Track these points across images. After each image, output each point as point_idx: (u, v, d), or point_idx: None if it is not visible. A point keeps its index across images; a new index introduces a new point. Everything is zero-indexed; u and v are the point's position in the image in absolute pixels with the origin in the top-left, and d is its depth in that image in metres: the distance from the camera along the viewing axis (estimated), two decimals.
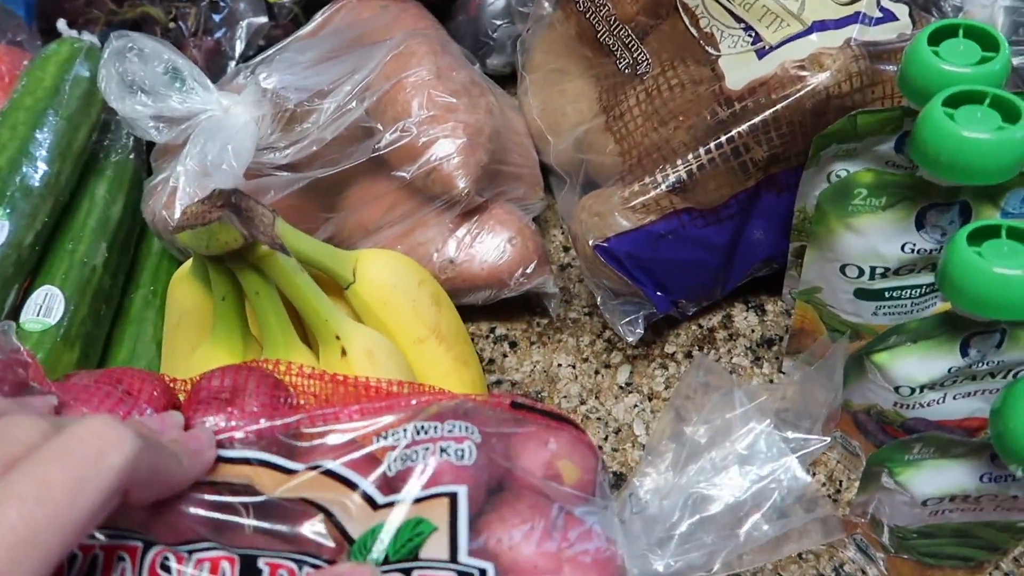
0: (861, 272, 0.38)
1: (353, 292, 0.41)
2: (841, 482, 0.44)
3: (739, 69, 0.43)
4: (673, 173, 0.44)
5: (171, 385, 0.32)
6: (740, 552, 0.29)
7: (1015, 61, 0.47)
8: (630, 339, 0.48)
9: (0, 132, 0.49)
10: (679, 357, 0.50)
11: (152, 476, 0.24)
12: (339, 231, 0.50)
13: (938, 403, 0.36)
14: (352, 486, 0.27)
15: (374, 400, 0.30)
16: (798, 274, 0.43)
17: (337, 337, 0.38)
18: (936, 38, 0.34)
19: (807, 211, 0.43)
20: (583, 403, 0.49)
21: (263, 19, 0.59)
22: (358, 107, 0.46)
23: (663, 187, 0.44)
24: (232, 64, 0.58)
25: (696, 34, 0.46)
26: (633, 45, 0.49)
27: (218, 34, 0.59)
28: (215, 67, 0.58)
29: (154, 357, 0.48)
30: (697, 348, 0.51)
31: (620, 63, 0.50)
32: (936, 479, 0.32)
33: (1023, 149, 0.31)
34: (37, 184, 0.48)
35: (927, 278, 0.38)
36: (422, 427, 0.28)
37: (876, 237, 0.37)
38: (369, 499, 0.27)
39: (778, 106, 0.42)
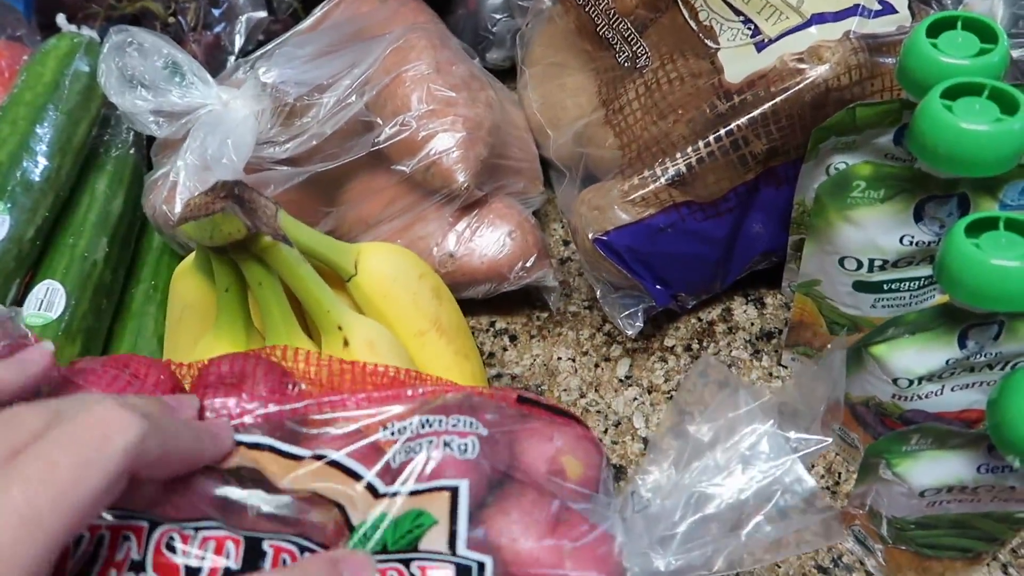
0: (860, 265, 0.38)
1: (355, 284, 0.41)
2: (840, 474, 0.44)
3: (738, 62, 0.43)
4: (672, 166, 0.44)
5: (176, 371, 0.32)
6: (741, 552, 0.29)
7: (1014, 53, 0.47)
8: (629, 332, 0.48)
9: (0, 127, 0.49)
10: (679, 350, 0.50)
11: (164, 455, 0.24)
12: (339, 225, 0.50)
13: (936, 395, 0.36)
14: (356, 476, 0.27)
15: (380, 388, 0.31)
16: (797, 267, 0.43)
17: (339, 327, 0.38)
18: (935, 30, 0.34)
19: (806, 204, 0.43)
20: (583, 396, 0.49)
21: (262, 14, 0.60)
22: (357, 101, 0.46)
23: (662, 180, 0.44)
24: (232, 59, 0.59)
25: (695, 27, 0.46)
26: (632, 39, 0.49)
27: (217, 29, 0.59)
28: (215, 62, 0.58)
29: (155, 351, 0.49)
30: (697, 341, 0.51)
31: (619, 57, 0.50)
32: (933, 470, 0.33)
33: (1021, 141, 0.31)
34: (37, 179, 0.48)
35: (926, 270, 0.38)
36: (427, 420, 0.29)
37: (875, 229, 0.37)
38: (372, 488, 0.27)
39: (777, 99, 0.42)
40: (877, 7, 0.42)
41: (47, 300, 0.46)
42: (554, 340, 0.52)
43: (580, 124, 0.51)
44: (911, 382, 0.35)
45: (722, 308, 0.52)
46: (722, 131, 0.43)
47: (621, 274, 0.46)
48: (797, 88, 0.41)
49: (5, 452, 0.21)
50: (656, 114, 0.46)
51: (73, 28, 0.56)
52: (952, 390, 0.36)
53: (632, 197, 0.44)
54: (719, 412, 0.30)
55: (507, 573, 0.26)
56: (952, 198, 0.35)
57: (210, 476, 0.27)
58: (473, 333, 0.51)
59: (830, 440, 0.30)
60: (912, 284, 0.39)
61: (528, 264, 0.49)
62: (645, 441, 0.47)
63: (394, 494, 0.27)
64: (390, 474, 0.28)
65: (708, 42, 0.45)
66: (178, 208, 0.47)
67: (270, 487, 0.27)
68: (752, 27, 0.44)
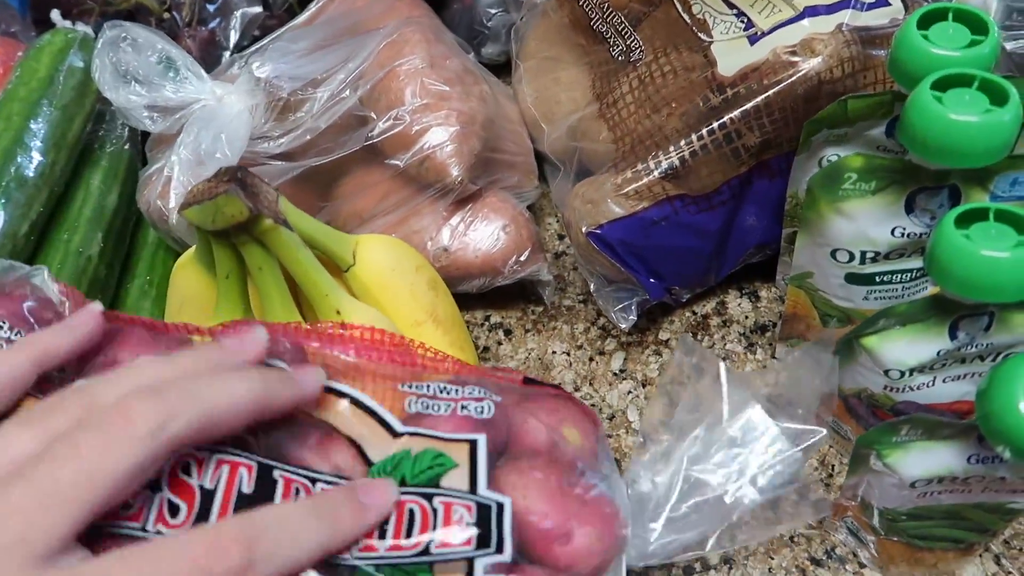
0: (852, 257, 0.38)
1: (352, 274, 0.41)
2: (833, 466, 0.44)
3: (731, 55, 0.44)
4: (666, 160, 0.44)
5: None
6: (732, 532, 0.30)
7: (1008, 45, 0.47)
8: (623, 326, 0.48)
9: None
10: (673, 344, 0.50)
11: (211, 421, 0.25)
12: (333, 220, 0.50)
13: (928, 386, 0.36)
14: (375, 415, 0.29)
15: (394, 352, 0.32)
16: (791, 260, 0.43)
17: (338, 312, 0.39)
18: (926, 22, 0.34)
19: (799, 196, 0.43)
20: (577, 390, 0.49)
21: (258, 9, 0.59)
22: (351, 96, 0.46)
23: (656, 174, 0.44)
24: (227, 54, 0.59)
25: (689, 20, 0.46)
26: (626, 32, 0.49)
27: (212, 24, 0.59)
28: (210, 57, 0.58)
29: None
30: (691, 335, 0.51)
31: (613, 50, 0.50)
32: (924, 461, 0.33)
33: (1010, 132, 0.31)
34: (32, 174, 0.48)
35: (918, 262, 0.38)
36: (443, 387, 0.30)
37: (866, 221, 0.37)
38: (390, 428, 0.28)
39: (770, 92, 0.42)
40: None
41: None
42: (549, 334, 0.52)
43: (574, 118, 0.51)
44: (902, 373, 0.35)
45: (716, 301, 0.52)
46: (715, 124, 0.43)
47: (615, 268, 0.46)
48: (790, 81, 0.41)
49: (44, 436, 0.24)
50: (650, 107, 0.46)
51: (68, 24, 0.55)
52: (944, 381, 0.36)
53: (625, 190, 0.44)
54: (707, 396, 0.31)
55: (521, 521, 0.27)
56: (943, 189, 0.35)
57: None
58: (468, 327, 0.51)
59: (824, 432, 0.30)
60: (904, 276, 0.39)
61: (522, 258, 0.49)
62: (639, 431, 0.47)
63: (413, 434, 0.28)
64: (409, 419, 0.29)
65: (701, 35, 0.45)
66: (172, 203, 0.47)
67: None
68: (745, 20, 0.44)
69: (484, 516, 0.26)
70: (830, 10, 0.42)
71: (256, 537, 0.23)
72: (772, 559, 0.41)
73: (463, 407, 0.29)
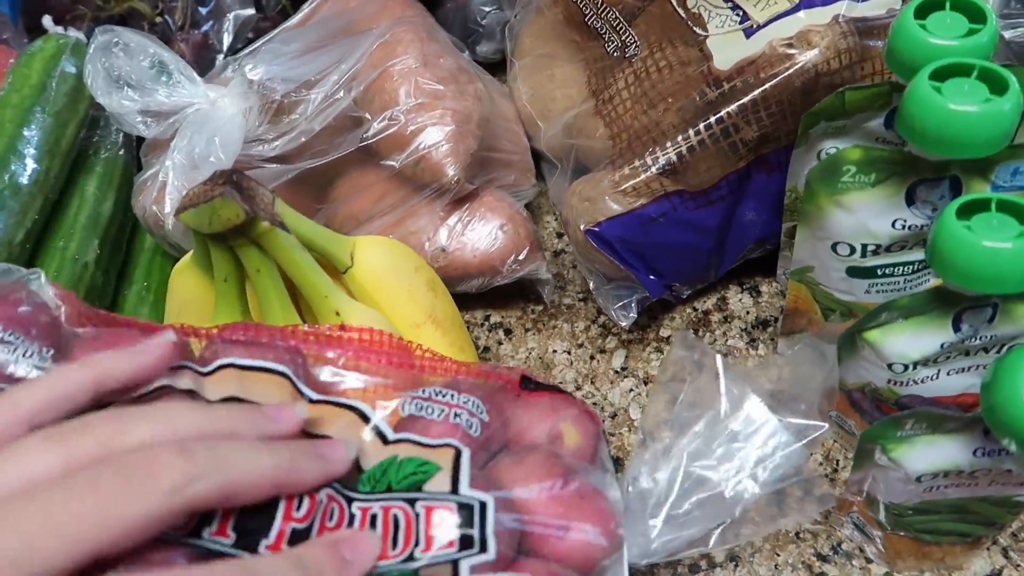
0: (852, 250, 0.38)
1: (351, 276, 0.41)
2: (838, 461, 0.44)
3: (727, 49, 0.43)
4: (663, 155, 0.44)
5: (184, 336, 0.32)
6: (736, 528, 0.30)
7: (1007, 34, 0.47)
8: (623, 323, 0.48)
9: None
10: (674, 341, 0.50)
11: (234, 490, 0.24)
12: (330, 222, 0.50)
13: (932, 379, 0.36)
14: (366, 419, 0.29)
15: (393, 354, 0.32)
16: (791, 254, 0.42)
17: (337, 313, 0.39)
18: (923, 11, 0.34)
19: (798, 190, 0.43)
20: (579, 388, 0.49)
21: (250, 11, 0.59)
22: (345, 97, 0.46)
23: (653, 170, 0.44)
24: (220, 57, 0.58)
25: (684, 15, 0.46)
26: (621, 28, 0.49)
27: (205, 27, 0.59)
28: (203, 61, 0.58)
29: None
30: (692, 331, 0.50)
31: (608, 46, 0.50)
32: (929, 455, 0.32)
33: (1010, 121, 0.31)
34: (26, 182, 0.48)
35: (919, 255, 0.38)
36: (439, 391, 0.30)
37: (866, 214, 0.36)
38: (381, 435, 0.29)
39: (767, 85, 0.41)
40: None
41: None
42: (549, 333, 0.51)
43: (570, 115, 0.50)
44: (906, 367, 0.35)
45: (717, 297, 0.52)
46: (712, 119, 0.42)
47: (614, 265, 0.45)
48: (787, 74, 0.41)
49: (66, 459, 0.23)
50: (646, 103, 0.45)
51: (59, 30, 0.55)
52: (948, 374, 0.36)
53: (623, 187, 0.44)
54: (707, 392, 0.31)
55: (508, 517, 0.27)
56: (943, 181, 0.35)
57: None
58: (468, 327, 0.51)
59: (826, 427, 0.30)
60: (906, 268, 0.38)
61: (521, 257, 0.49)
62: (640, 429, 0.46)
63: (404, 440, 0.29)
64: (400, 424, 0.29)
65: (697, 29, 0.45)
66: (168, 208, 0.46)
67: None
68: (740, 13, 0.44)
69: (467, 516, 0.27)
70: (826, 1, 0.42)
71: None
72: (778, 555, 0.41)
73: (456, 415, 0.29)
